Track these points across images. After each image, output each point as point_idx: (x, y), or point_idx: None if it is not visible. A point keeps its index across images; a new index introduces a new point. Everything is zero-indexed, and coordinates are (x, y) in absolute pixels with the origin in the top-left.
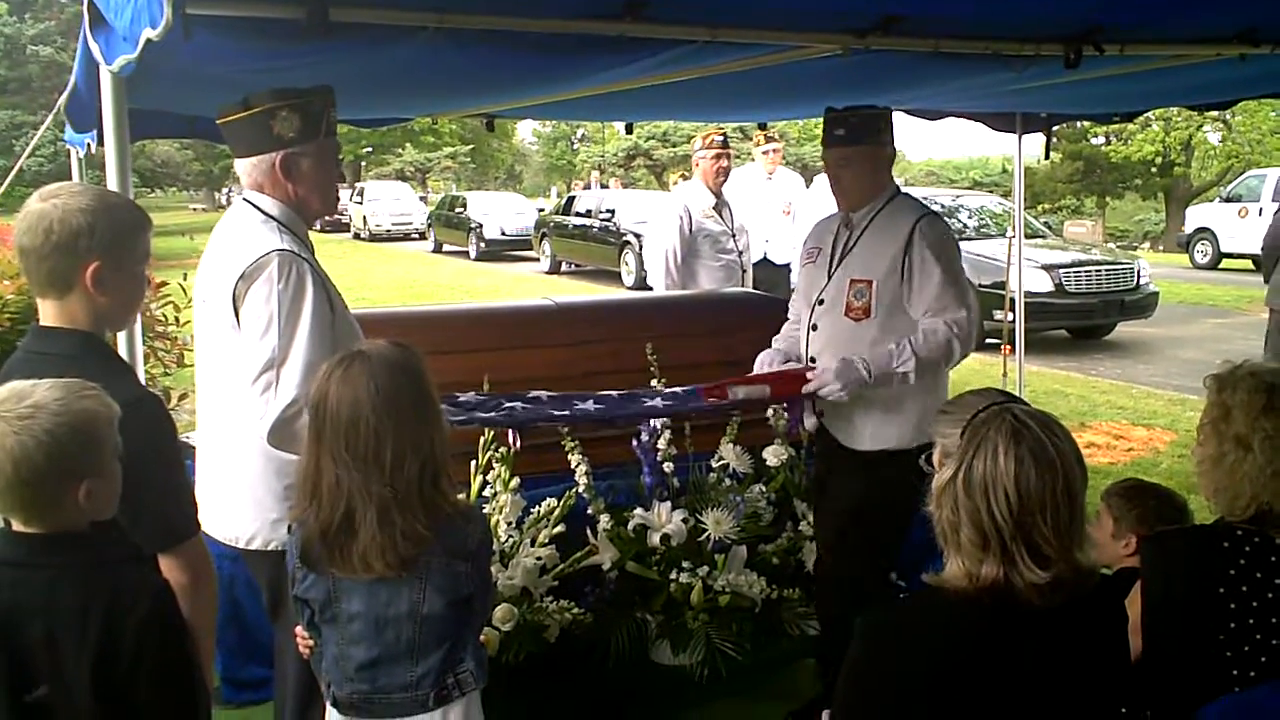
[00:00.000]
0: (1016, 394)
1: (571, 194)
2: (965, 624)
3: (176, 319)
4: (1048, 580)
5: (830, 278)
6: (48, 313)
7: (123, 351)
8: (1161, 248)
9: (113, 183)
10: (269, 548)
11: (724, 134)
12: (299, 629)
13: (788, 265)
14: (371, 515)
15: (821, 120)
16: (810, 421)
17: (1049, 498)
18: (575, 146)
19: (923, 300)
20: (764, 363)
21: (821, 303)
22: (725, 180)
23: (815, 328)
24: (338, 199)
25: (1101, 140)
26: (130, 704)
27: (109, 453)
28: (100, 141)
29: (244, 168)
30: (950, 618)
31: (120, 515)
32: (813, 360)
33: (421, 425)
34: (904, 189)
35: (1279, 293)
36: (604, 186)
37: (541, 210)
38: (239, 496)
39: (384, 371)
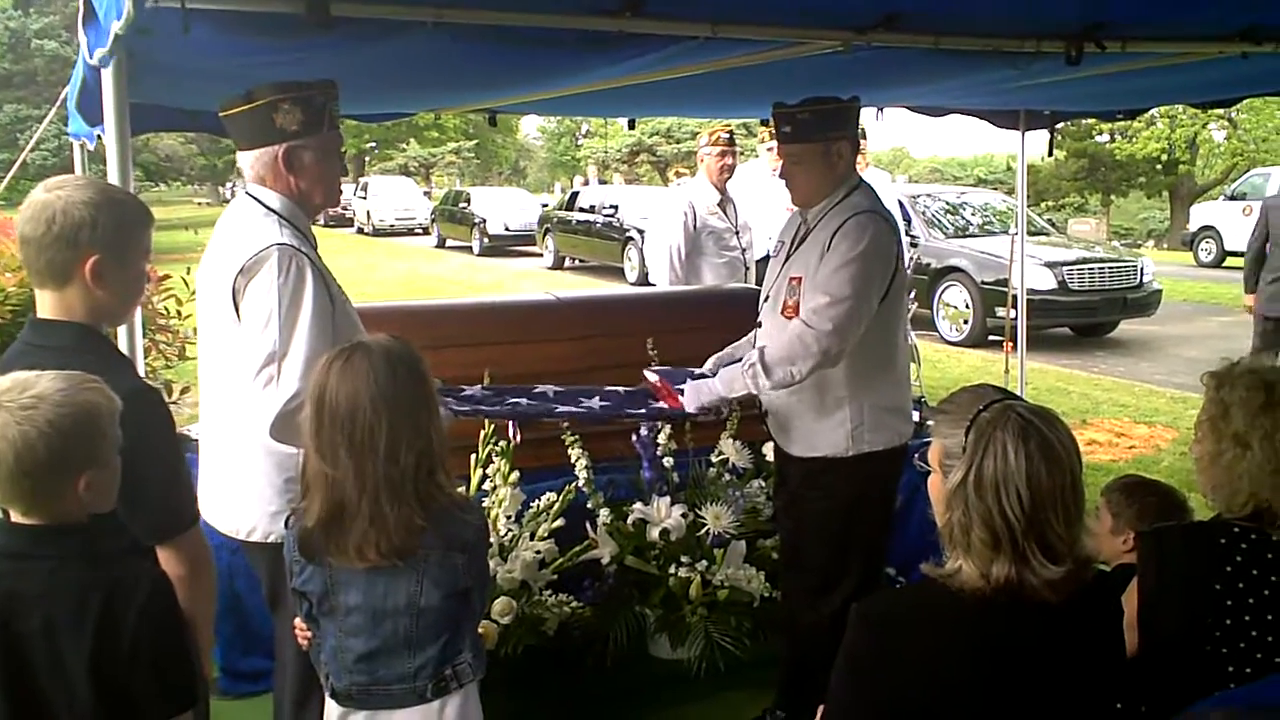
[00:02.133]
0: (1017, 391)
1: (575, 190)
2: (981, 623)
3: (179, 312)
4: (1060, 575)
5: (778, 274)
6: (45, 304)
7: (123, 345)
8: (1166, 246)
9: (114, 176)
10: (269, 540)
11: (730, 131)
12: (297, 621)
13: None
14: (365, 505)
15: None
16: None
17: (1059, 494)
18: (579, 142)
19: (813, 286)
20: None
21: (767, 299)
22: (730, 177)
23: (760, 325)
24: (340, 193)
25: (1106, 138)
26: (128, 694)
27: (110, 445)
28: None
29: (247, 160)
30: (961, 613)
31: (118, 507)
32: None
33: (419, 418)
34: (907, 184)
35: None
36: (603, 182)
37: (545, 206)
38: (240, 489)
39: (383, 364)
